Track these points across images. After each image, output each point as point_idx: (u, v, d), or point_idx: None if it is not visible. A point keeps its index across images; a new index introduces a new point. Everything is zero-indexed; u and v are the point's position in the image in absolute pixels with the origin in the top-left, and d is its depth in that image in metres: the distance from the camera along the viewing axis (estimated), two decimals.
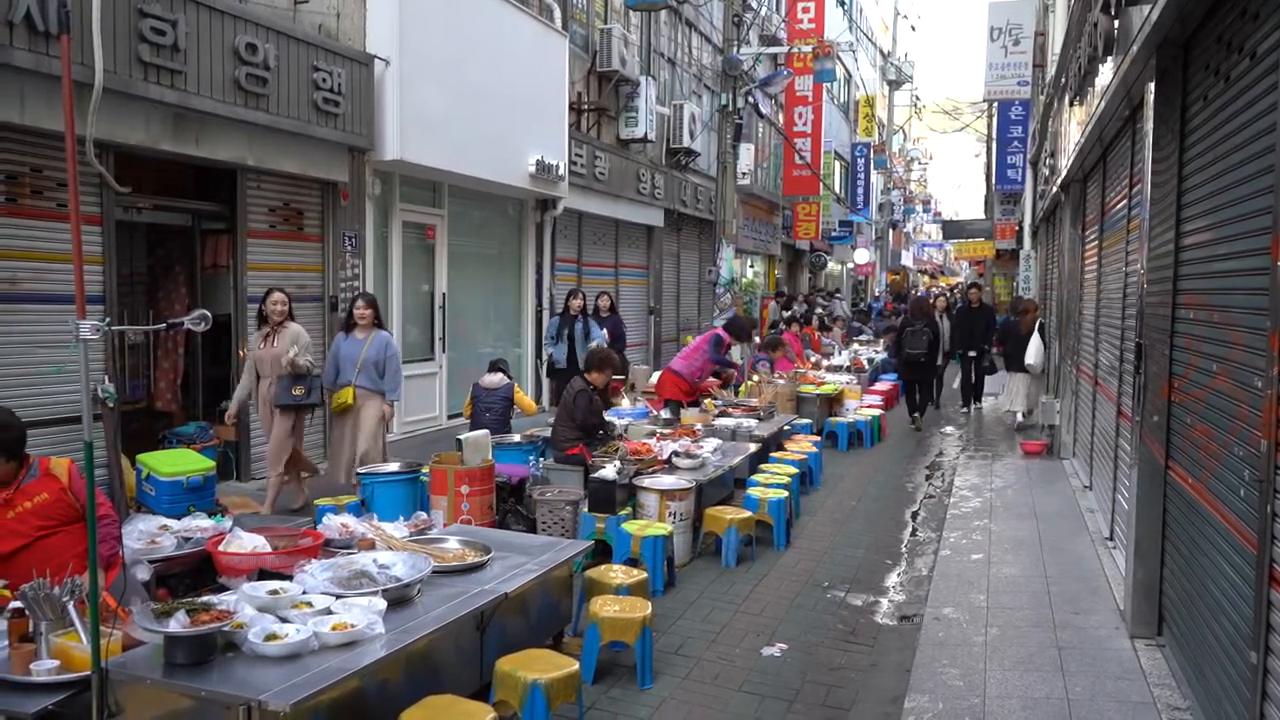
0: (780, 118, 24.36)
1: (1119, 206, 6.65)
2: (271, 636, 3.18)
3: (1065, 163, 8.96)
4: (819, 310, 20.79)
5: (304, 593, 3.56)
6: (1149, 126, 4.84)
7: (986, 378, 13.79)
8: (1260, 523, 3.06)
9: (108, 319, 3.01)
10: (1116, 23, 5.18)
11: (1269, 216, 3.09)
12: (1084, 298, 8.88)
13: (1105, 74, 5.84)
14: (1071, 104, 8.12)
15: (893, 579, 6.22)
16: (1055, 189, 10.27)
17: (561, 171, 12.13)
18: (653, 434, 7.71)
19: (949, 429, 12.20)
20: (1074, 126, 8.06)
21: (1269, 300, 3.04)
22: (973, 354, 13.39)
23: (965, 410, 13.69)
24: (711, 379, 10.40)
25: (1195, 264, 4.23)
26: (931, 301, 13.67)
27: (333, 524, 4.54)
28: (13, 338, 6.20)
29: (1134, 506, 4.90)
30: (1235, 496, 3.44)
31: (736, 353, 13.17)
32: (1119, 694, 4.19)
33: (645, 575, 5.02)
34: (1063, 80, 9.11)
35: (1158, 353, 4.68)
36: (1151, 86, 4.75)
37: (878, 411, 11.84)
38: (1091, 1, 5.93)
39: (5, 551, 3.84)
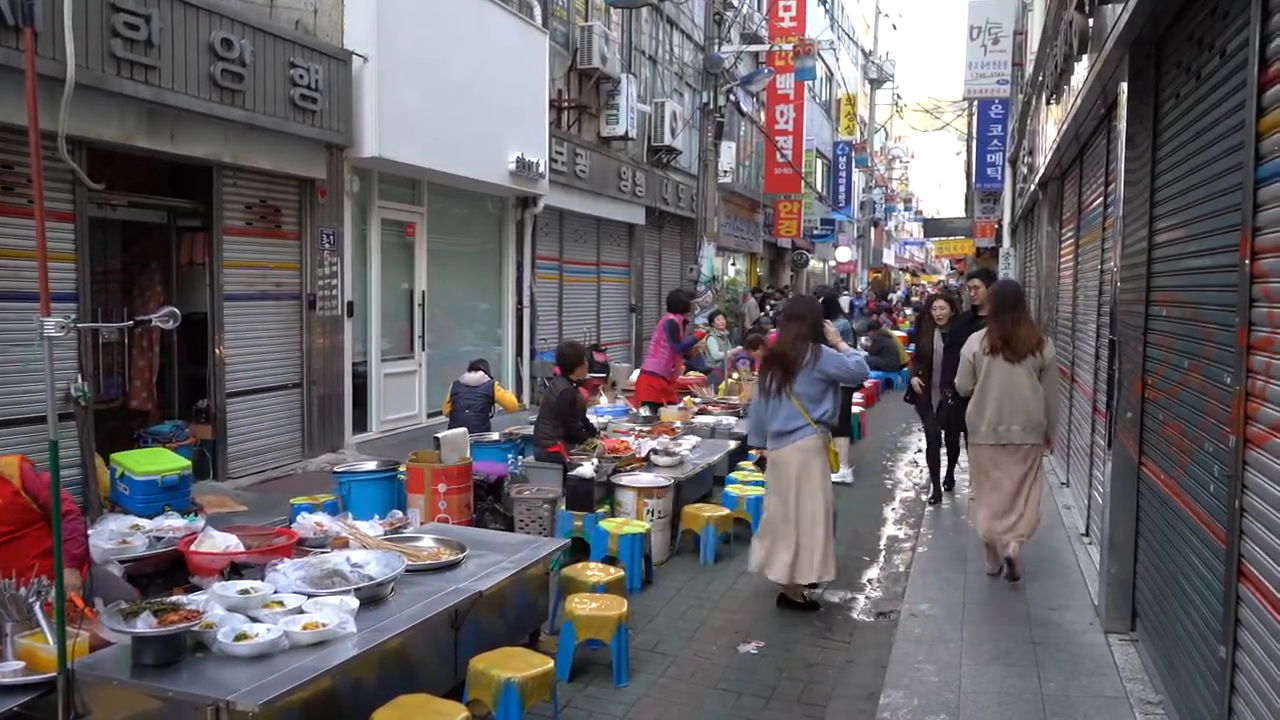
0: (762, 116, 24.39)
1: (1095, 204, 6.69)
2: (241, 636, 3.15)
3: (1043, 161, 9.01)
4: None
5: (276, 592, 3.54)
6: (1123, 125, 4.86)
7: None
8: (1229, 518, 3.08)
9: (73, 316, 2.97)
10: (1091, 21, 5.21)
11: (1238, 214, 3.11)
12: (1061, 295, 8.93)
13: (1081, 72, 5.87)
14: (1049, 102, 8.17)
15: (870, 575, 6.24)
16: (1034, 187, 10.34)
17: (542, 169, 12.10)
18: (631, 432, 7.71)
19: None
20: (1051, 125, 8.11)
21: (1237, 297, 3.06)
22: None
23: (933, 503, 7.86)
24: (693, 374, 10.36)
25: (1168, 261, 4.26)
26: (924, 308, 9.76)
27: (307, 523, 4.51)
28: None
29: (1108, 502, 4.93)
30: (1205, 492, 3.47)
31: (714, 346, 13.13)
32: (1092, 689, 4.21)
33: (622, 573, 5.02)
34: (1040, 79, 9.16)
35: (1131, 350, 4.70)
36: (1124, 85, 4.77)
37: (857, 409, 11.85)
38: (1067, 0, 5.96)
39: None
